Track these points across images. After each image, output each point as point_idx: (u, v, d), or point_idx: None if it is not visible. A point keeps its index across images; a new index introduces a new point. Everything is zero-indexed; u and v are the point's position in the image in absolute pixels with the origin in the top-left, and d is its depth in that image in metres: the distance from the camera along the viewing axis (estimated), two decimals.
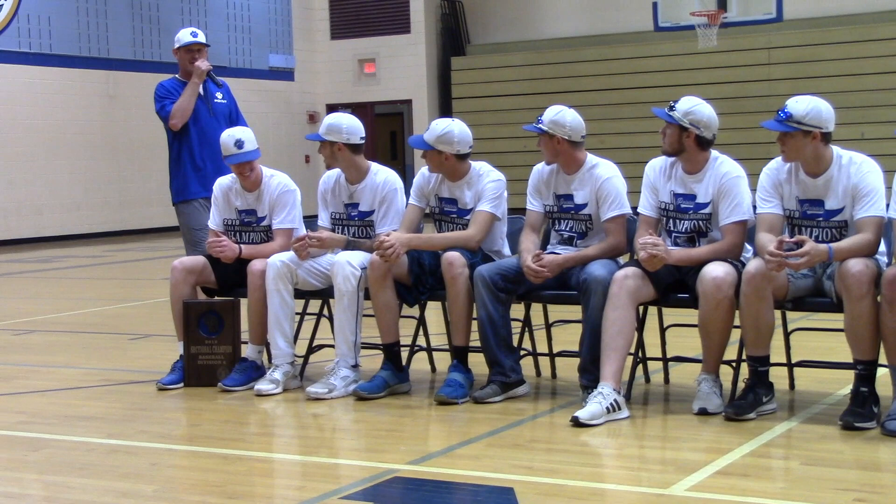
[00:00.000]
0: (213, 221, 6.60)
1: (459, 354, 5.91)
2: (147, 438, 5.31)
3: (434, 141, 6.01)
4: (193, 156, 7.33)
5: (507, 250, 6.16)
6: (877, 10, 20.60)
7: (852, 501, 4.07)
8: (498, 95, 23.15)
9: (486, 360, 5.81)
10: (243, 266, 6.28)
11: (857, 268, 4.94)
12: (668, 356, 6.10)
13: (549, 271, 5.66)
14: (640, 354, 5.86)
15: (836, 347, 5.84)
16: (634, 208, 5.76)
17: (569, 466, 4.62)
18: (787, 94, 5.55)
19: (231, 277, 6.40)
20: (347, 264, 5.95)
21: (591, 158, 5.90)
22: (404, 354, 6.20)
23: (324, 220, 6.41)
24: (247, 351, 6.37)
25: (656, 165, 5.72)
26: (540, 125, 5.82)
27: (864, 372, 5.07)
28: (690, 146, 5.52)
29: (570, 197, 5.89)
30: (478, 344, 5.84)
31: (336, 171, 6.37)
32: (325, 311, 6.56)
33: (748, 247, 5.55)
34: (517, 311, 6.08)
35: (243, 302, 6.38)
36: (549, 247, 6.00)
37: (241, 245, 6.38)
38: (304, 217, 6.61)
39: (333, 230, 6.35)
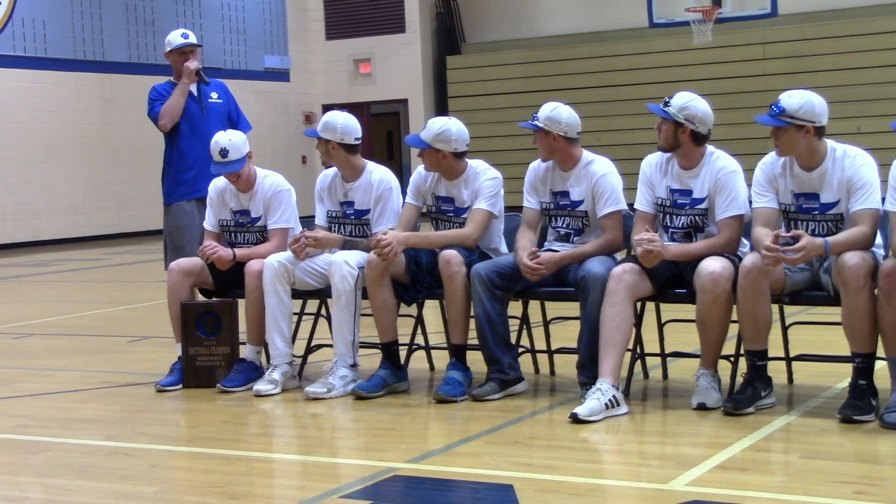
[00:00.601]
0: (209, 222, 6.59)
1: (458, 352, 5.91)
2: (146, 440, 5.31)
3: (431, 139, 6.00)
4: (184, 156, 7.32)
5: (504, 248, 6.16)
6: (872, 4, 20.58)
7: (852, 494, 4.07)
8: (494, 94, 23.12)
9: (485, 357, 5.81)
10: (240, 267, 6.27)
11: (854, 261, 4.94)
12: (667, 352, 6.11)
13: (545, 268, 5.67)
14: (638, 350, 5.85)
15: (834, 341, 5.83)
16: (631, 205, 5.76)
17: (568, 463, 4.62)
18: (783, 89, 5.54)
19: (228, 278, 6.40)
20: (345, 264, 5.95)
21: (586, 155, 5.90)
22: (403, 353, 6.20)
23: (320, 217, 6.41)
24: (245, 352, 6.37)
25: (652, 161, 5.72)
26: (536, 122, 5.82)
27: (862, 365, 5.08)
28: (686, 142, 5.52)
29: (566, 194, 5.89)
30: (476, 342, 5.84)
31: (333, 169, 6.37)
32: (323, 311, 6.56)
33: (745, 241, 5.55)
34: (515, 308, 6.07)
35: (241, 303, 6.38)
36: (545, 244, 6.00)
37: (235, 249, 6.37)
38: (300, 218, 6.60)
39: (329, 229, 6.35)
